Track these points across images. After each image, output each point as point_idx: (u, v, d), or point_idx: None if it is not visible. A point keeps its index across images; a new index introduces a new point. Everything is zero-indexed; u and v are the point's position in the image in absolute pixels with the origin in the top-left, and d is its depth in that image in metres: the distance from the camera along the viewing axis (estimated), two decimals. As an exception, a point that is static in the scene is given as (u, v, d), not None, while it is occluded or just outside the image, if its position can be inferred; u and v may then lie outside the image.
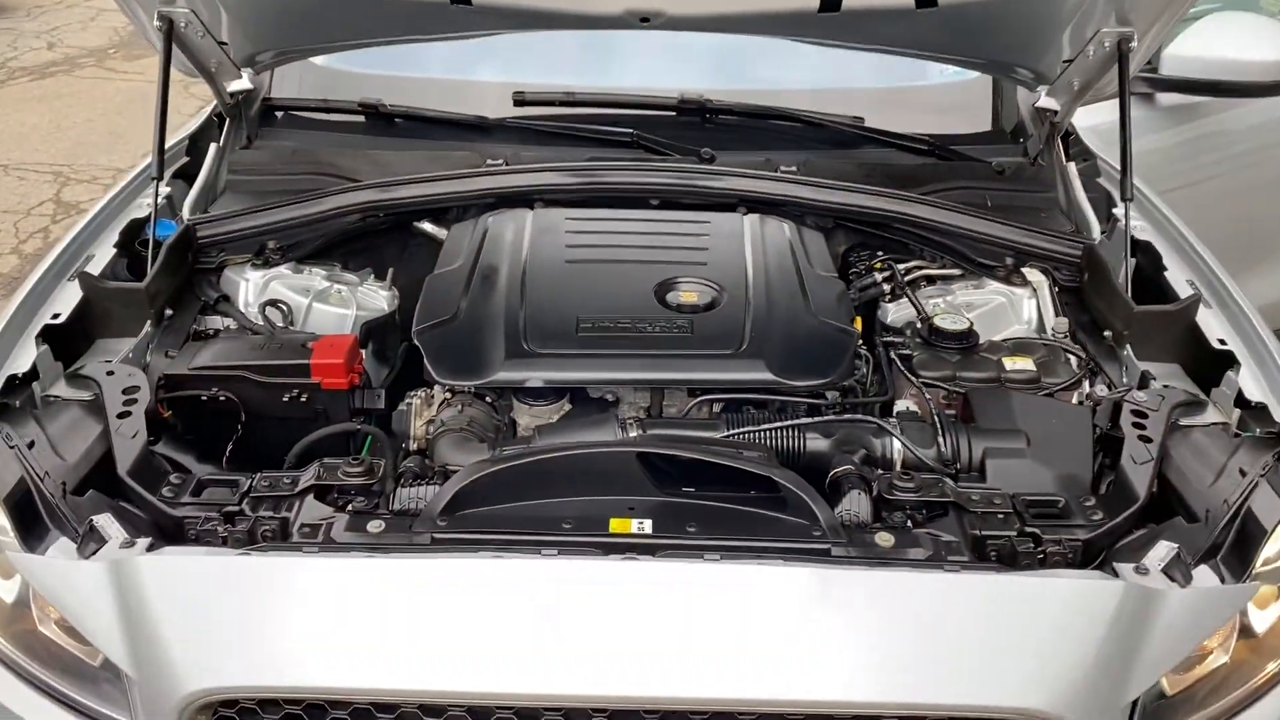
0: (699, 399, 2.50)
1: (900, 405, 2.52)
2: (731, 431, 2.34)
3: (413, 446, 2.51)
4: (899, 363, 2.60)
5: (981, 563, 2.03)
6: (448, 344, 2.51)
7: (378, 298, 2.94)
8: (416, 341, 2.53)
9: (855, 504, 2.16)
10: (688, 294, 2.66)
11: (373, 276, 3.03)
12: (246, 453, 2.56)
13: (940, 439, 2.36)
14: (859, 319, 2.72)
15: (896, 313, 2.93)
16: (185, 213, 3.08)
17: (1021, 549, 2.08)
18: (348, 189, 3.09)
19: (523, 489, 2.14)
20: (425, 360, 2.47)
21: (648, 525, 2.07)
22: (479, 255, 2.83)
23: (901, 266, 3.01)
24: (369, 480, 2.18)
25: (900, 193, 3.11)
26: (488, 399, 2.54)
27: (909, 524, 2.14)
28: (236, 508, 2.13)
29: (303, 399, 2.55)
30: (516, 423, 2.55)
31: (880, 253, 3.14)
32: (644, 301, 2.62)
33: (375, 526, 2.06)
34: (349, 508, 2.13)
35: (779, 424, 2.36)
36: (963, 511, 2.15)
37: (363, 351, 2.84)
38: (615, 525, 2.07)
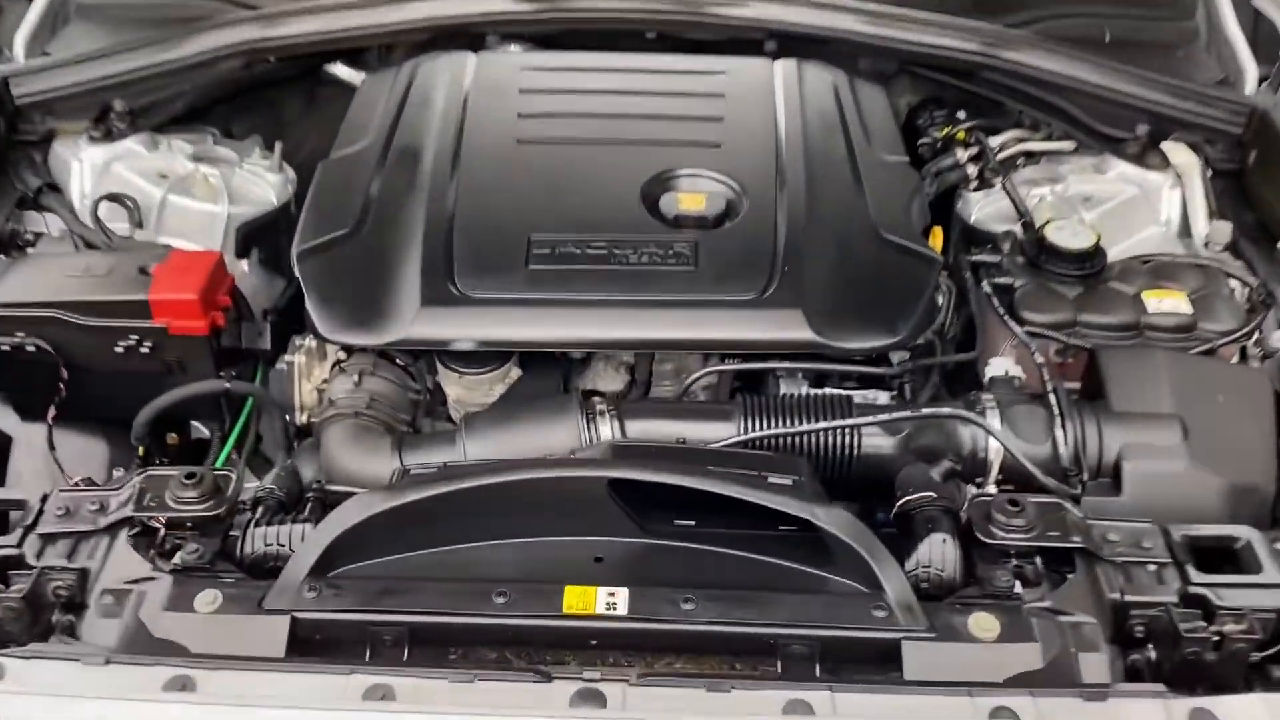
0: (703, 371, 1.74)
1: (995, 366, 1.76)
2: (749, 434, 1.59)
3: (301, 419, 1.79)
4: (993, 298, 1.82)
5: (1139, 684, 1.33)
6: (340, 278, 1.73)
7: (263, 183, 2.13)
8: (296, 272, 1.76)
9: (937, 554, 1.44)
10: (690, 198, 1.84)
11: (258, 150, 2.22)
12: (85, 410, 1.85)
13: (1059, 430, 1.62)
14: (937, 231, 1.92)
15: (984, 209, 2.11)
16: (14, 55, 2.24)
17: (1187, 629, 1.37)
18: (225, 23, 2.22)
19: (438, 529, 1.43)
20: (306, 303, 1.72)
21: (622, 598, 1.35)
22: (394, 129, 2.00)
23: (995, 140, 2.17)
24: (211, 509, 1.46)
25: (989, 26, 2.23)
26: (399, 361, 1.78)
27: (1017, 585, 1.43)
28: (15, 549, 1.43)
29: (145, 349, 1.81)
30: (443, 394, 1.80)
31: (961, 114, 2.29)
32: (627, 209, 1.81)
33: (208, 601, 1.36)
34: (176, 559, 1.43)
35: (825, 425, 1.61)
36: (1094, 560, 1.44)
37: (243, 263, 2.08)
38: (574, 597, 1.36)
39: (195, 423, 1.96)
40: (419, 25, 2.26)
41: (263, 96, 2.34)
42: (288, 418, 1.78)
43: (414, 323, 1.64)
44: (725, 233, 1.78)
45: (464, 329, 1.66)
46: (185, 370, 1.85)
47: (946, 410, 1.58)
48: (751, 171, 1.89)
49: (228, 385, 1.82)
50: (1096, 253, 1.85)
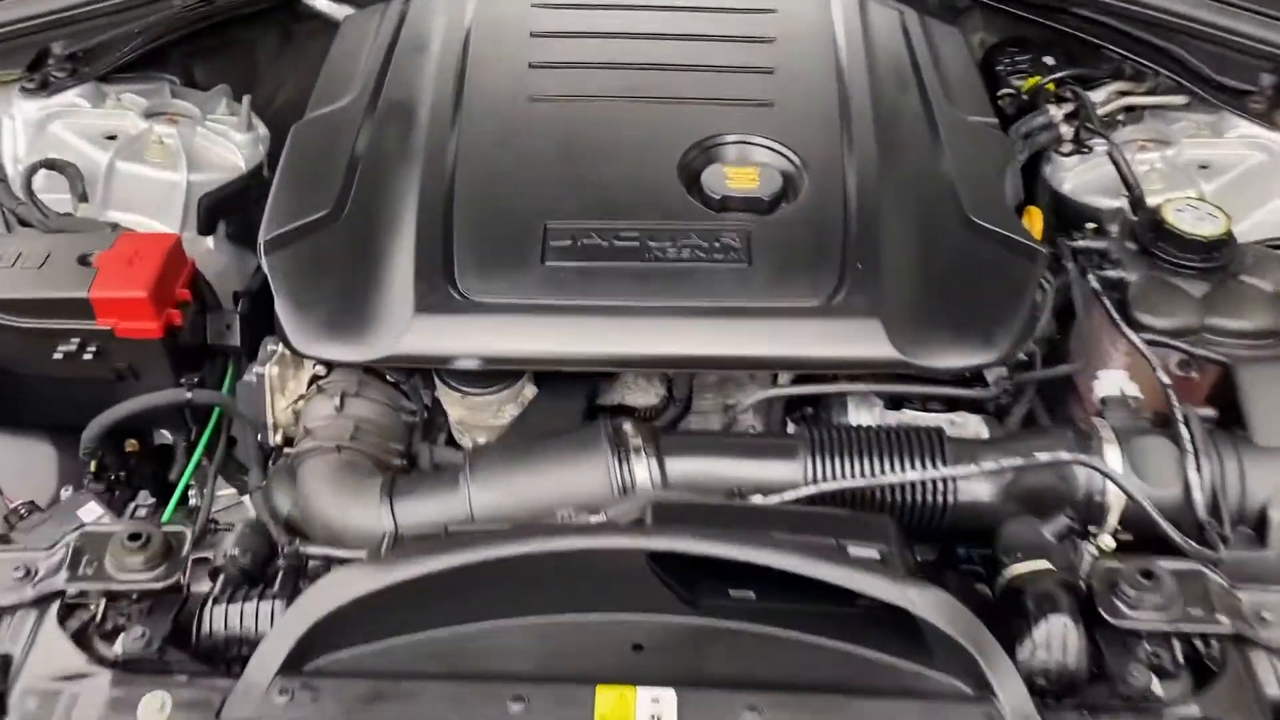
0: (756, 397, 1.43)
1: (1107, 383, 1.47)
2: (820, 480, 1.29)
3: (274, 439, 1.50)
4: (1103, 296, 1.52)
5: None
6: (316, 275, 1.42)
7: (230, 144, 1.81)
8: (263, 265, 1.46)
9: (1058, 641, 1.16)
10: (740, 174, 1.52)
11: (225, 102, 1.90)
12: (27, 417, 1.57)
13: (1193, 470, 1.33)
14: (1034, 212, 1.60)
15: (1080, 177, 1.79)
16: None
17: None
18: (182, -53, 1.88)
19: (438, 608, 1.16)
20: (276, 307, 1.42)
21: (668, 704, 1.09)
22: (380, 84, 1.67)
23: (1097, 95, 1.83)
24: (160, 578, 1.19)
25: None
26: (390, 378, 1.48)
27: (1154, 682, 1.16)
28: None
29: (89, 354, 1.52)
30: (443, 417, 1.49)
31: (1048, 60, 1.95)
32: (663, 188, 1.49)
33: (155, 709, 1.09)
34: (118, 647, 1.16)
35: (916, 475, 1.28)
36: (1248, 646, 1.17)
37: (207, 241, 1.77)
38: (608, 704, 1.09)
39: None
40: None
41: (230, 35, 2.01)
42: (260, 437, 1.50)
43: (406, 334, 1.34)
44: (783, 218, 1.46)
45: (466, 342, 1.35)
46: (139, 377, 1.57)
47: (1068, 456, 1.29)
48: (812, 138, 1.57)
49: (189, 395, 1.54)
50: (1228, 241, 1.53)
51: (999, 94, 1.91)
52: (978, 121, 1.66)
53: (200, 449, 1.57)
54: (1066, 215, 1.77)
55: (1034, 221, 1.58)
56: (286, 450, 1.43)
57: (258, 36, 2.06)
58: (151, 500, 1.57)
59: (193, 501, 1.63)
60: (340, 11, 2.05)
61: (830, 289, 1.37)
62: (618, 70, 1.68)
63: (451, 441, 1.48)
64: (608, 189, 1.49)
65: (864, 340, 1.34)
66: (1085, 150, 1.77)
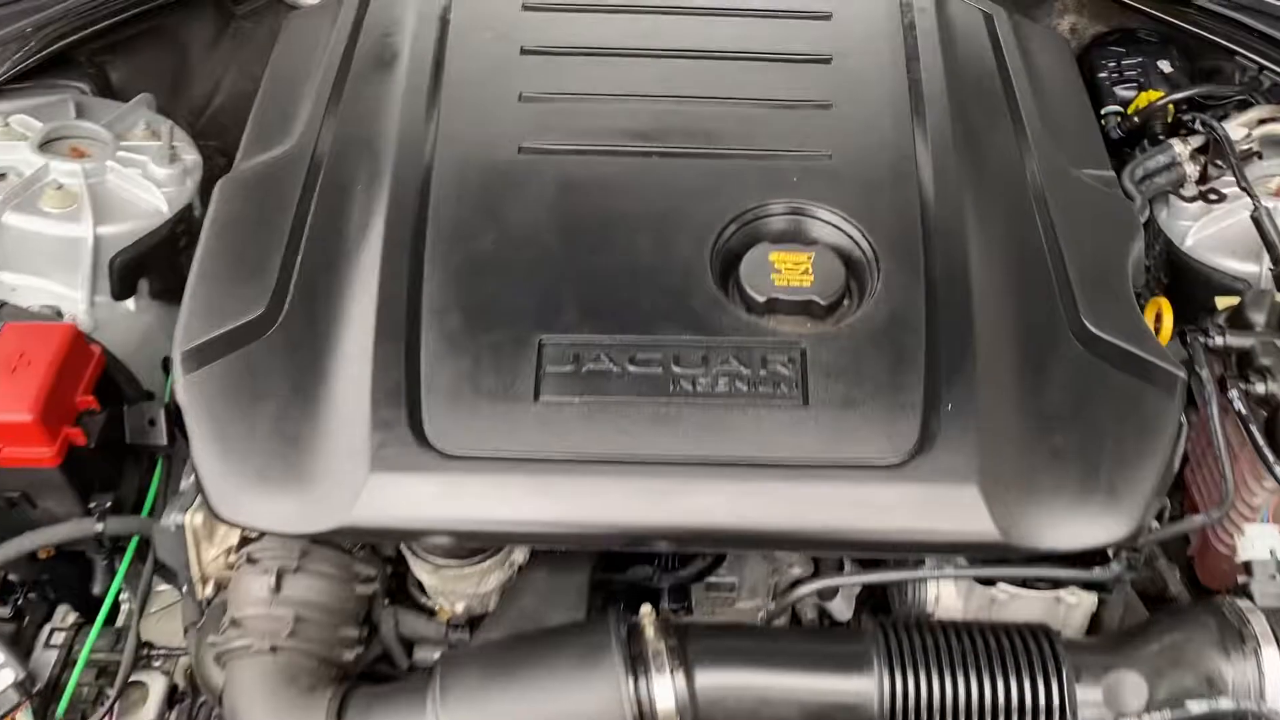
0: (813, 586, 1.12)
1: (1256, 541, 1.15)
2: (899, 703, 1.01)
3: (204, 592, 1.20)
4: (1250, 422, 1.19)
5: None
6: (244, 408, 1.10)
7: (147, 182, 1.45)
8: (177, 390, 1.13)
9: None
10: (788, 262, 1.15)
11: (143, 124, 1.53)
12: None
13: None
14: (1162, 306, 1.26)
15: (1204, 231, 1.44)
16: None
17: None
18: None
19: None
20: (192, 454, 1.10)
21: None
22: (329, 121, 1.31)
23: (1230, 124, 1.47)
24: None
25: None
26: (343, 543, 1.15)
27: None
28: None
29: (-34, 485, 1.21)
30: (413, 583, 1.18)
31: (1165, 66, 1.58)
32: (692, 284, 1.14)
33: None
34: None
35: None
36: None
37: (128, 304, 1.44)
38: None
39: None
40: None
41: (152, 23, 1.63)
42: (185, 588, 1.20)
43: (359, 500, 1.02)
44: (847, 331, 1.12)
45: (437, 510, 1.03)
46: (35, 505, 1.27)
47: (1229, 706, 0.99)
48: (881, 207, 1.21)
49: (99, 528, 1.24)
50: None
51: (1102, 112, 1.55)
52: (1093, 180, 1.30)
53: (120, 577, 1.28)
54: (1186, 280, 1.43)
55: (1164, 320, 1.24)
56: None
57: (187, 22, 1.68)
58: (74, 619, 1.29)
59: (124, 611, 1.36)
60: (302, -4, 1.69)
61: (912, 440, 1.05)
62: (631, 103, 1.31)
63: (420, 606, 1.18)
64: (621, 285, 1.15)
65: (957, 513, 1.02)
66: (1215, 197, 1.43)
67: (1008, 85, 1.37)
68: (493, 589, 1.14)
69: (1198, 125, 1.43)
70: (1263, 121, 1.49)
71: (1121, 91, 1.56)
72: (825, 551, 1.13)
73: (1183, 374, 1.13)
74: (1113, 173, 1.32)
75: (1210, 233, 1.42)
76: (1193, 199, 1.44)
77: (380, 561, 1.14)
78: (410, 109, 1.29)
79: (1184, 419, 1.15)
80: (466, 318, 1.12)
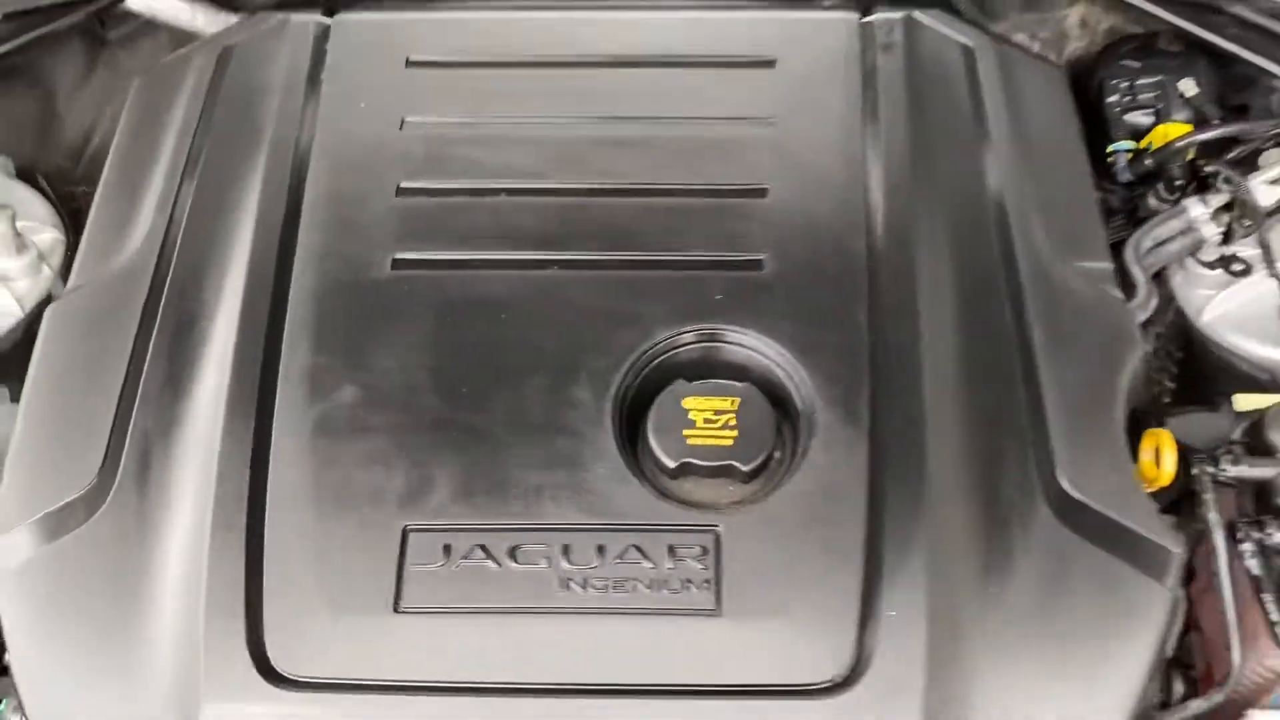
0: None
1: (1263, 732, 0.98)
2: None
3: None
4: (1264, 588, 0.99)
5: None
6: (63, 608, 0.93)
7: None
8: None
9: None
10: (706, 413, 0.95)
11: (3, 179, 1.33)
12: None
13: None
14: (1163, 441, 1.04)
15: (1225, 305, 1.21)
16: None
17: None
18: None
19: None
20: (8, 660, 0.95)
21: None
22: (173, 230, 1.11)
23: (1267, 176, 1.19)
24: None
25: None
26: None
27: None
28: None
29: None
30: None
31: (1187, 88, 1.32)
32: (585, 447, 0.95)
33: None
34: None
35: None
36: None
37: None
38: None
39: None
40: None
41: (8, 64, 1.41)
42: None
43: (190, 742, 0.89)
44: (771, 509, 0.93)
45: None
46: None
47: None
48: (822, 337, 1.00)
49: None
50: None
51: (1108, 151, 1.30)
52: (1085, 275, 1.07)
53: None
54: (1200, 360, 1.22)
55: (1164, 459, 1.02)
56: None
57: (50, 58, 1.45)
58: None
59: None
60: (168, 10, 1.45)
61: (847, 657, 0.87)
62: (532, 195, 1.11)
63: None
64: (503, 449, 0.96)
65: None
66: (1239, 269, 1.19)
67: (987, 151, 1.13)
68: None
69: (1222, 184, 1.19)
70: (1289, 161, 1.25)
71: (1134, 119, 1.31)
72: None
73: (1178, 550, 0.94)
74: (1109, 264, 1.09)
75: (1231, 308, 1.19)
76: (1213, 265, 1.21)
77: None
78: (267, 212, 1.09)
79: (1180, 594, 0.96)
80: (317, 502, 0.95)
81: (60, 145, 1.47)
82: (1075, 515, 0.95)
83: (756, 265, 1.05)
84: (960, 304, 1.04)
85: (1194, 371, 1.24)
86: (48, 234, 1.32)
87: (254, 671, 0.88)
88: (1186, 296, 1.23)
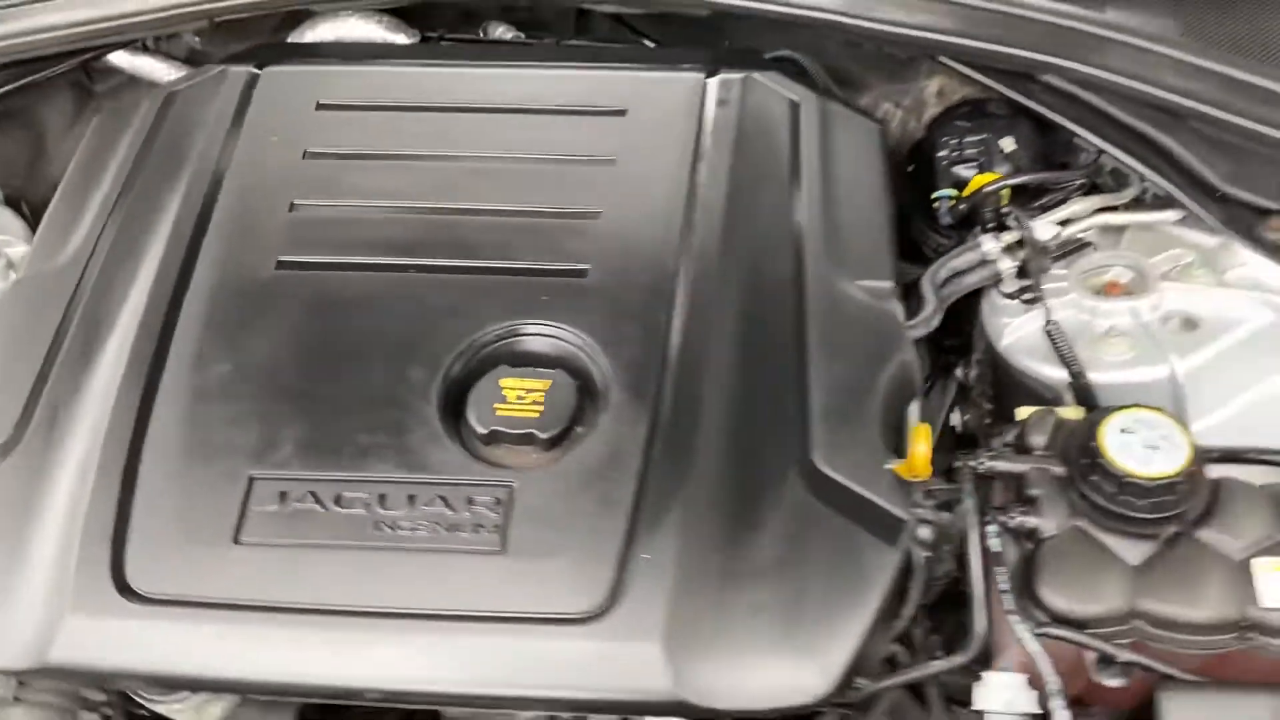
0: None
1: (993, 691, 1.08)
2: None
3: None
4: (994, 568, 1.11)
5: None
6: None
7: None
8: None
9: None
10: (519, 391, 1.12)
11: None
12: None
13: None
14: (922, 432, 1.19)
15: (1022, 330, 1.35)
16: None
17: None
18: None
19: None
20: None
21: None
22: (103, 233, 1.32)
23: (1058, 214, 1.39)
24: None
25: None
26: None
27: None
28: None
29: None
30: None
31: (1006, 144, 1.48)
32: (410, 416, 1.12)
33: None
34: None
35: None
36: None
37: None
38: None
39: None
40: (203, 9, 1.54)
41: (5, 107, 1.66)
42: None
43: (57, 640, 1.04)
44: (561, 470, 1.10)
45: (128, 655, 1.04)
46: None
47: None
48: (627, 332, 1.18)
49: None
50: (1186, 482, 1.12)
51: (933, 196, 1.47)
52: (864, 294, 1.23)
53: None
54: (1004, 384, 1.36)
55: (919, 449, 1.17)
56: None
57: (43, 104, 1.71)
58: None
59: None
60: (147, 68, 1.70)
61: (603, 593, 1.03)
62: (403, 212, 1.30)
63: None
64: (342, 417, 1.14)
65: (637, 672, 1.00)
66: (1030, 299, 1.34)
67: (796, 189, 1.31)
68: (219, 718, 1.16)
69: (1011, 223, 1.35)
70: (1095, 210, 1.40)
71: (960, 172, 1.47)
72: (500, 709, 1.11)
73: (908, 518, 1.08)
74: (890, 284, 1.25)
75: (1024, 334, 1.34)
76: (1012, 296, 1.36)
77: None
78: (180, 223, 1.30)
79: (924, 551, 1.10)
80: (185, 453, 1.13)
81: (47, 180, 1.70)
82: (824, 488, 1.09)
83: (582, 274, 1.23)
84: (750, 309, 1.21)
85: (1002, 392, 1.38)
86: (20, 248, 1.55)
87: (113, 589, 1.06)
88: (991, 324, 1.38)
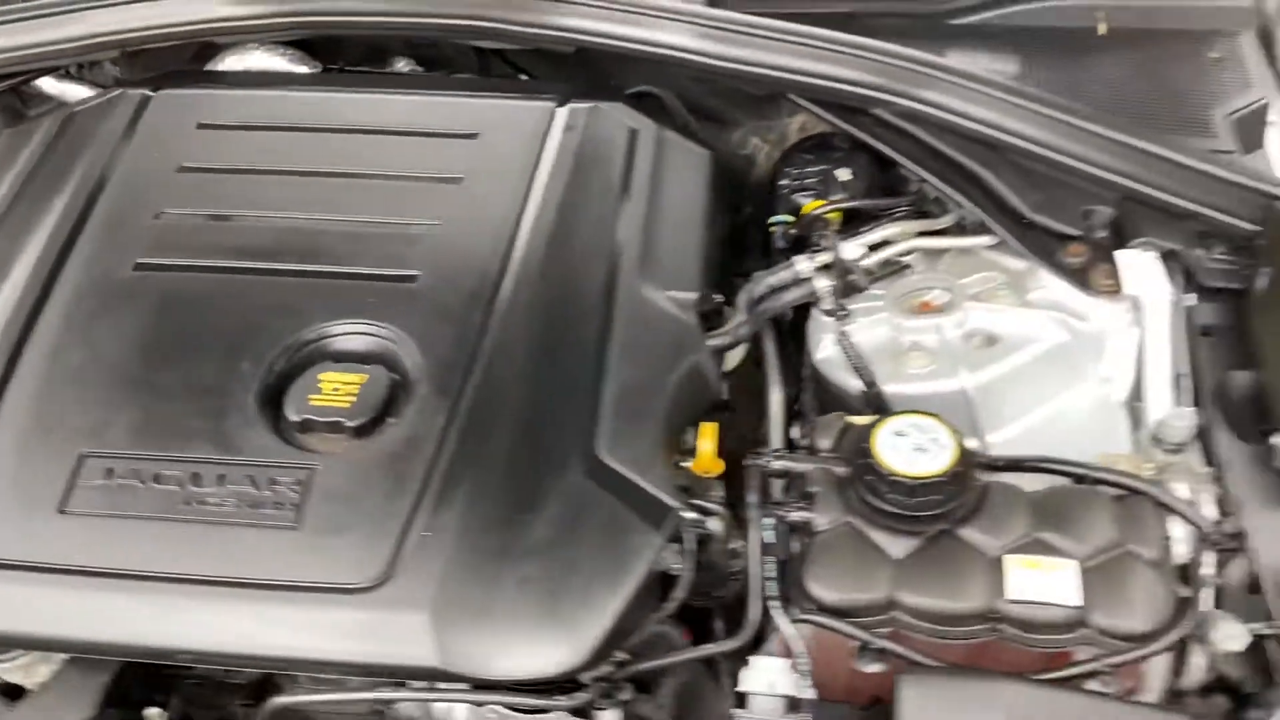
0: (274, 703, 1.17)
1: (756, 674, 1.14)
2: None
3: None
4: (771, 545, 1.19)
5: None
6: None
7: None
8: None
9: None
10: (338, 384, 1.21)
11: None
12: None
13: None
14: (709, 431, 1.27)
15: (833, 345, 1.44)
16: None
17: None
18: None
19: None
20: None
21: None
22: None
23: (867, 241, 1.47)
24: None
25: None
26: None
27: None
28: None
29: None
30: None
31: (843, 174, 1.58)
32: (229, 403, 1.22)
33: None
34: None
35: None
36: None
37: None
38: None
39: None
40: (105, 40, 1.68)
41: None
42: None
43: None
44: (362, 455, 1.19)
45: None
46: None
47: None
48: (444, 333, 1.28)
49: None
50: (951, 482, 1.19)
51: (769, 222, 1.56)
52: (669, 304, 1.32)
53: None
54: (825, 395, 1.44)
55: (704, 446, 1.24)
56: None
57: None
58: None
59: None
60: (72, 93, 1.84)
61: (383, 564, 1.11)
62: (259, 221, 1.41)
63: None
64: (172, 403, 1.24)
65: (401, 640, 1.08)
66: (843, 313, 1.42)
67: (622, 207, 1.41)
68: (46, 678, 1.25)
69: (820, 243, 1.44)
70: (913, 233, 1.49)
71: (798, 199, 1.57)
72: (292, 671, 1.18)
73: (676, 505, 1.15)
74: (694, 295, 1.34)
75: (836, 350, 1.42)
76: (829, 313, 1.44)
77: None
78: (59, 228, 1.42)
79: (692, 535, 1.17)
80: (27, 431, 1.23)
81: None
82: (603, 476, 1.18)
83: (412, 279, 1.33)
84: (562, 314, 1.30)
85: (825, 404, 1.45)
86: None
87: None
88: (812, 339, 1.46)
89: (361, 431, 1.21)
